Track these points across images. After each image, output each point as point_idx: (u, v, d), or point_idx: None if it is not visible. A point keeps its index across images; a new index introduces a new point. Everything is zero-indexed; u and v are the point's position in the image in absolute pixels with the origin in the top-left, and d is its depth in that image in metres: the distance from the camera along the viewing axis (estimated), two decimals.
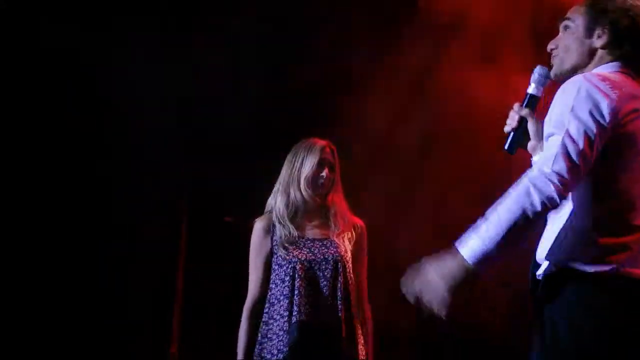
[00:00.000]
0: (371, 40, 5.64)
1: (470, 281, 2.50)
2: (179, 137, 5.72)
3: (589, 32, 2.76)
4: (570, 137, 2.53)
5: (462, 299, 2.50)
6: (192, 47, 5.57)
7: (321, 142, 4.16)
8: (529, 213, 2.47)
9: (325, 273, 3.99)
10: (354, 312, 3.99)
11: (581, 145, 2.52)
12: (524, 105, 2.87)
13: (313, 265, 4.00)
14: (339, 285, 3.97)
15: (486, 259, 2.48)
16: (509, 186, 2.55)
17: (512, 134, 2.86)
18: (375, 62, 5.65)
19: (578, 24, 2.77)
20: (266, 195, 4.15)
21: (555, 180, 2.48)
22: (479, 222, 2.53)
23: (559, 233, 2.63)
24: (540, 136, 2.80)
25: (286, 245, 4.03)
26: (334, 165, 4.13)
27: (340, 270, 3.98)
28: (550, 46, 2.82)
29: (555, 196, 2.47)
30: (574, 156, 2.51)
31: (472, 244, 2.50)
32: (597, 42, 2.74)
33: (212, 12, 5.66)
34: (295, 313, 3.93)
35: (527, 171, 2.56)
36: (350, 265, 4.04)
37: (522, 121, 2.85)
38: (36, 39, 5.39)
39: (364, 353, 4.00)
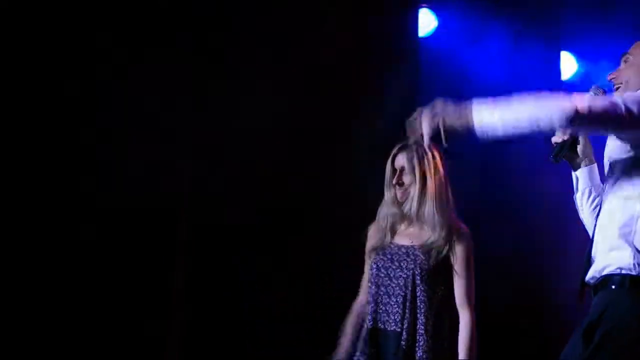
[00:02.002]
0: None
1: (462, 134, 2.66)
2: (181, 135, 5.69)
3: None
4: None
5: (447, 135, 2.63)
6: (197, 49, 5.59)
7: (395, 149, 4.19)
8: (561, 113, 2.60)
9: (399, 281, 4.00)
10: (428, 322, 3.97)
11: None
12: None
13: (389, 272, 4.04)
14: (411, 294, 3.97)
15: (488, 132, 2.62)
16: None
17: (561, 146, 3.01)
18: None
19: (637, 58, 2.97)
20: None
21: (616, 100, 2.68)
22: (504, 98, 2.64)
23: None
24: (586, 154, 3.03)
25: (372, 253, 4.11)
26: (405, 170, 4.13)
27: (417, 279, 3.98)
28: (610, 76, 3.02)
29: (612, 108, 2.66)
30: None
31: (485, 115, 2.62)
32: None
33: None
34: (369, 319, 4.02)
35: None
36: (438, 276, 4.02)
37: (574, 137, 3.01)
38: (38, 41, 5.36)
39: None
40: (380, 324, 3.99)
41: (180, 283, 5.71)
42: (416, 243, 4.06)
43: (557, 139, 3.01)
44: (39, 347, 5.31)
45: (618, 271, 2.75)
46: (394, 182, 4.12)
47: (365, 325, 4.04)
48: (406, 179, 4.13)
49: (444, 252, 4.03)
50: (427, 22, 6.36)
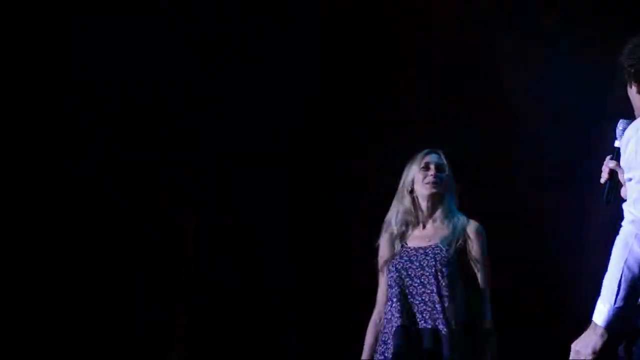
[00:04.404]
0: None
1: (613, 342, 2.74)
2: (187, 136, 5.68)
3: (630, 83, 2.97)
4: None
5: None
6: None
7: (425, 150, 4.24)
8: (633, 263, 2.69)
9: (422, 279, 4.05)
10: (462, 318, 4.03)
11: None
12: (613, 157, 3.09)
13: (410, 273, 4.06)
14: (439, 291, 4.01)
15: (617, 318, 2.72)
16: None
17: (606, 185, 3.12)
18: None
19: (625, 79, 3.01)
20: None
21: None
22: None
23: None
24: None
25: (387, 263, 4.13)
26: (441, 166, 4.19)
27: (441, 276, 4.03)
28: None
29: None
30: None
31: (600, 310, 2.74)
32: (634, 90, 2.96)
33: None
34: (395, 320, 4.03)
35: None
36: (458, 271, 4.07)
37: (613, 173, 3.10)
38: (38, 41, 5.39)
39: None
40: (407, 324, 4.02)
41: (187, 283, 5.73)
42: (434, 242, 4.12)
43: (603, 180, 3.11)
44: (41, 347, 5.35)
45: None
46: (430, 173, 4.16)
47: (390, 327, 4.06)
48: (441, 171, 4.20)
49: (462, 245, 4.11)
50: None
